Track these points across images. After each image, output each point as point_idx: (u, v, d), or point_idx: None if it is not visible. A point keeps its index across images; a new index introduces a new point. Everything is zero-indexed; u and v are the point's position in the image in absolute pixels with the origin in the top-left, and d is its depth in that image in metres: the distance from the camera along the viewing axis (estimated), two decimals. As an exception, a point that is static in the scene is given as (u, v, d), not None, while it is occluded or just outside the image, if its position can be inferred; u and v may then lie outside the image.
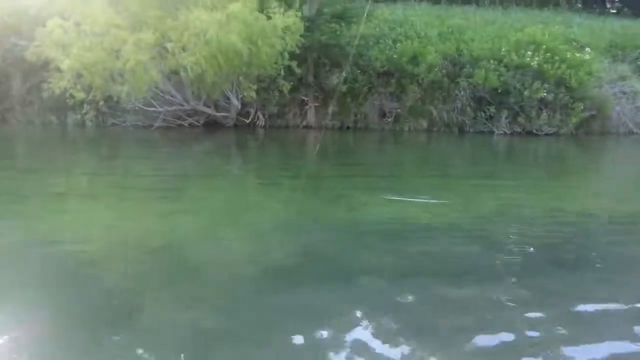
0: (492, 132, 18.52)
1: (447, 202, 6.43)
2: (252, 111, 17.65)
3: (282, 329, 3.02)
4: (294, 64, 16.21)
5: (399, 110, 18.52)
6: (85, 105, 16.26)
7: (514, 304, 3.51)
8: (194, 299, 3.38)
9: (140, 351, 2.71)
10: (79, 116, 16.86)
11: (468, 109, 18.61)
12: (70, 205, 6.33)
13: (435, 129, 18.77)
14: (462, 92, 18.53)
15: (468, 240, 5.09)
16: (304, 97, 18.33)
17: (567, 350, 2.92)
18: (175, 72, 15.09)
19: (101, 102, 16.04)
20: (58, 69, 14.75)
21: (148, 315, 3.15)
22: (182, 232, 5.05)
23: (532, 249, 4.90)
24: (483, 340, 3.02)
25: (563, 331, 3.16)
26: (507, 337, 3.08)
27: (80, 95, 15.13)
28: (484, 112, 18.66)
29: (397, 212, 6.22)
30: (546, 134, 18.51)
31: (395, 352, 2.81)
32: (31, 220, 5.38)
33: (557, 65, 18.16)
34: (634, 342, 3.04)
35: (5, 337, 2.86)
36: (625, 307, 3.55)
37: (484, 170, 10.62)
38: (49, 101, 16.93)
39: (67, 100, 15.76)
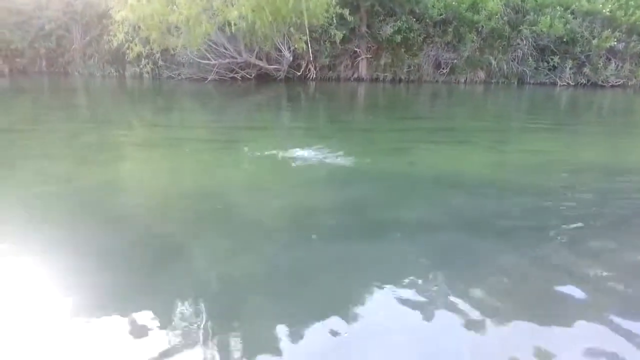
0: (554, 84, 17.63)
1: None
2: (304, 63, 17.53)
3: (318, 281, 3.10)
4: (345, 12, 15.82)
5: (455, 61, 17.88)
6: (143, 59, 16.68)
7: (556, 263, 3.43)
8: (236, 248, 3.50)
9: (174, 295, 2.86)
10: (137, 69, 17.35)
11: (530, 59, 17.74)
12: (127, 154, 6.61)
13: (493, 80, 18.05)
14: (524, 41, 17.63)
15: (519, 194, 4.96)
16: (356, 49, 17.98)
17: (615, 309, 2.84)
18: (228, 24, 15.10)
19: (157, 55, 16.40)
20: (117, 22, 15.10)
21: (186, 261, 3.31)
22: (232, 182, 5.18)
23: (589, 206, 4.71)
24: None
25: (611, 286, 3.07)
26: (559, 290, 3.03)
27: (138, 48, 15.49)
28: (547, 62, 17.75)
29: (451, 165, 6.11)
30: (613, 86, 17.42)
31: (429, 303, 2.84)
32: (89, 167, 5.67)
33: (631, 11, 16.81)
34: None
35: (57, 276, 3.09)
36: None
37: (544, 124, 10.16)
38: (108, 54, 17.50)
39: (126, 54, 16.22)
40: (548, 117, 11.43)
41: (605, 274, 3.28)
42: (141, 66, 17.12)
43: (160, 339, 2.47)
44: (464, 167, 6.07)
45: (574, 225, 4.16)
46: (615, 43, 16.94)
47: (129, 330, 2.54)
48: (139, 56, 16.34)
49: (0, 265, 3.19)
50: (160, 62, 17.05)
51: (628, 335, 2.57)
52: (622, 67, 17.49)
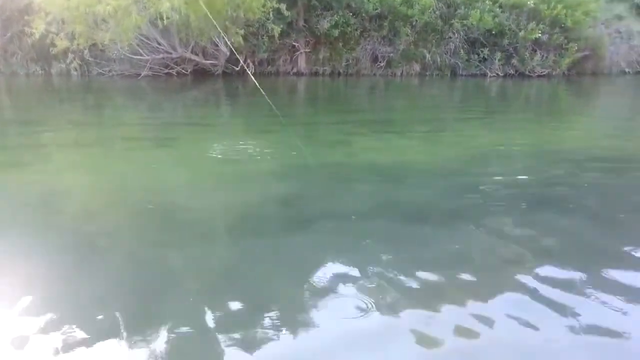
0: (484, 75, 18.35)
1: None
2: (242, 58, 17.26)
3: (253, 274, 3.07)
4: (282, 6, 15.72)
5: (391, 55, 18.22)
6: (69, 54, 15.85)
7: (495, 242, 3.57)
8: (164, 246, 3.41)
9: (95, 295, 2.77)
10: (63, 65, 16.45)
11: (461, 51, 18.36)
12: (54, 155, 6.24)
13: (428, 72, 18.54)
14: (456, 35, 18.22)
15: (453, 181, 5.12)
16: (294, 43, 17.93)
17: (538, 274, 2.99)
18: (160, 18, 14.60)
19: (85, 51, 15.64)
20: (40, 17, 14.25)
21: (122, 256, 3.20)
22: (167, 181, 5.01)
23: (516, 188, 4.94)
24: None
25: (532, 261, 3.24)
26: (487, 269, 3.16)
27: (64, 43, 14.68)
28: (477, 54, 18.43)
29: (389, 156, 6.22)
30: (539, 76, 18.37)
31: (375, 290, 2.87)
32: (14, 169, 5.33)
33: (553, 4, 17.78)
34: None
35: None
36: (610, 242, 3.62)
37: (476, 113, 10.57)
38: (32, 50, 16.48)
39: (50, 49, 15.34)
40: (479, 107, 11.90)
41: (529, 250, 3.43)
42: (67, 62, 16.23)
43: (80, 340, 2.34)
44: (401, 157, 6.19)
45: (506, 207, 4.33)
46: (540, 35, 17.84)
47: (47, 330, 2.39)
48: (65, 52, 15.49)
49: None
50: (89, 59, 16.25)
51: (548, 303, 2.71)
52: (546, 57, 18.46)
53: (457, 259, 3.29)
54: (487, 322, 2.57)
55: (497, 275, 3.10)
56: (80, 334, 2.41)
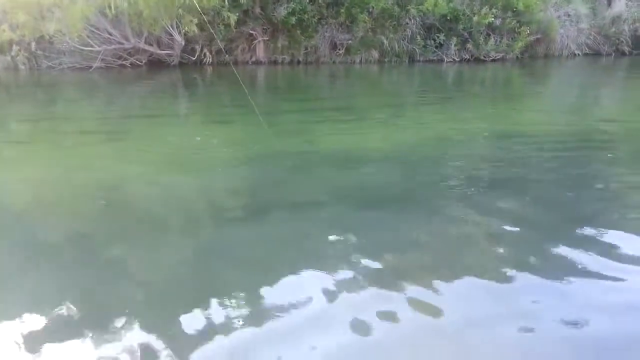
0: (441, 60, 18.61)
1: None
2: (198, 48, 16.92)
3: (211, 266, 3.06)
4: (237, -7, 15.45)
5: (350, 42, 18.21)
6: (14, 46, 15.12)
7: (450, 225, 3.66)
8: (118, 243, 3.35)
9: (55, 290, 2.72)
10: (9, 58, 15.69)
11: (418, 37, 18.53)
12: (2, 151, 5.97)
13: (386, 59, 18.66)
14: (412, 21, 18.36)
15: (413, 164, 5.22)
16: (251, 31, 17.66)
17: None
18: (109, 8, 14.09)
19: (32, 43, 14.95)
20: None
21: (71, 253, 3.13)
22: (126, 175, 4.88)
23: (473, 171, 5.07)
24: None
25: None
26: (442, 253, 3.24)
27: (7, 34, 13.99)
28: (434, 40, 18.66)
29: (349, 142, 6.25)
30: (493, 60, 18.79)
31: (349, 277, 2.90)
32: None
33: (503, -11, 18.18)
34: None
35: None
36: (553, 224, 3.76)
37: (434, 98, 10.74)
38: (-26, 44, 15.64)
39: (-5, 44, 14.60)
40: (437, 92, 12.08)
41: (483, 233, 3.53)
42: (13, 55, 15.49)
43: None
44: (361, 144, 6.24)
45: (463, 190, 4.44)
46: (493, 19, 18.21)
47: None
48: (9, 44, 14.77)
49: None
50: (38, 51, 15.55)
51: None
52: (500, 42, 18.88)
53: (414, 243, 3.36)
54: (443, 300, 2.64)
55: (452, 258, 3.18)
56: (31, 332, 2.34)
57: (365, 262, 3.01)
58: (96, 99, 11.01)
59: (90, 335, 2.34)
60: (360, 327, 2.41)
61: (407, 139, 6.54)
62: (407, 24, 18.46)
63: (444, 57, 18.63)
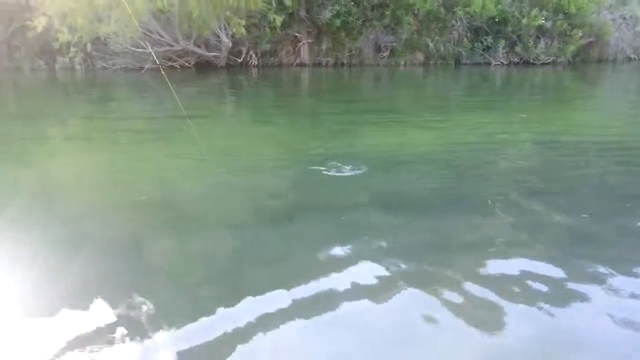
0: (488, 63, 18.26)
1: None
2: (244, 50, 17.26)
3: (257, 260, 3.11)
4: (284, -4, 15.68)
5: (394, 44, 18.14)
6: (72, 48, 15.86)
7: (494, 231, 3.59)
8: (167, 239, 3.45)
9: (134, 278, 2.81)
10: (67, 60, 16.48)
11: (465, 40, 18.26)
12: (59, 148, 6.29)
13: (431, 62, 18.46)
14: (459, 23, 18.11)
15: (456, 169, 5.15)
16: (296, 34, 17.86)
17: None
18: (162, 11, 14.58)
19: (88, 44, 15.64)
20: (42, 12, 14.26)
21: (139, 248, 3.25)
22: (178, 172, 5.05)
23: (518, 175, 4.95)
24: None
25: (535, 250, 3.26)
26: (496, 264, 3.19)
27: (66, 37, 14.69)
28: (481, 42, 18.34)
29: (392, 145, 6.23)
30: (543, 63, 18.27)
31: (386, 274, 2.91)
32: (19, 162, 5.38)
33: (556, -10, 17.66)
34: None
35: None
36: (607, 237, 3.61)
37: (481, 101, 10.55)
38: (36, 45, 16.49)
39: (53, 43, 15.35)
40: (484, 95, 11.86)
41: (523, 238, 3.45)
42: (70, 56, 16.26)
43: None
44: (403, 146, 6.21)
45: (506, 195, 4.35)
46: (544, 22, 17.72)
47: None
48: (67, 46, 15.51)
49: None
50: (93, 52, 16.27)
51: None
52: (551, 45, 18.34)
53: (451, 248, 3.31)
54: (484, 303, 2.61)
55: (485, 268, 3.11)
56: (81, 322, 2.46)
57: (398, 265, 2.99)
58: (146, 99, 11.41)
59: (124, 324, 2.43)
60: (393, 329, 2.41)
61: (451, 142, 6.45)
62: (454, 26, 18.22)
63: (492, 60, 18.27)
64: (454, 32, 18.33)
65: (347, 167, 5.02)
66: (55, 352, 2.24)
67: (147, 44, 15.21)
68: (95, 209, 4.04)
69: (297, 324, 2.47)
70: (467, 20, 18.06)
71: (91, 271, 2.99)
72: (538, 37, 18.31)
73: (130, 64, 16.03)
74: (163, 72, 6.18)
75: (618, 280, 2.87)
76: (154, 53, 15.61)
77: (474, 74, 16.62)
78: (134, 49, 15.39)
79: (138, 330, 2.39)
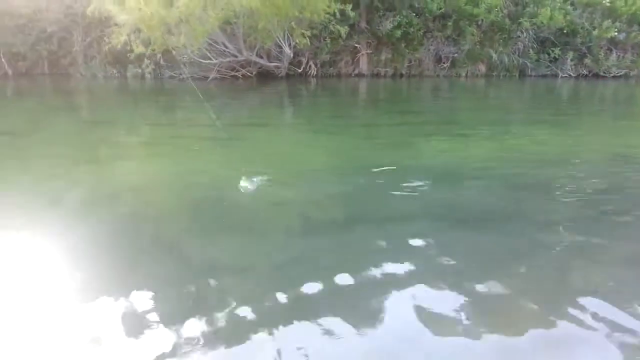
0: (555, 76, 17.60)
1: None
2: (304, 60, 17.57)
3: (322, 267, 3.14)
4: (348, 7, 15.85)
5: (455, 55, 17.89)
6: (145, 59, 16.73)
7: (558, 249, 3.46)
8: (236, 243, 3.56)
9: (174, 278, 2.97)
10: (138, 70, 17.41)
11: (530, 51, 17.72)
12: (130, 152, 6.65)
13: (494, 73, 18.04)
14: (525, 34, 17.61)
15: (519, 185, 4.99)
16: (356, 44, 18.00)
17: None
18: (228, 22, 15.12)
19: (159, 55, 16.45)
20: (117, 24, 15.16)
21: (189, 246, 3.42)
22: (235, 177, 5.11)
23: (581, 194, 4.73)
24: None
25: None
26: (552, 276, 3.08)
27: (140, 49, 15.55)
28: (548, 54, 17.73)
29: (451, 158, 6.14)
30: (614, 76, 17.39)
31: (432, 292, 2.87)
32: (93, 165, 5.72)
33: (631, 1, 16.78)
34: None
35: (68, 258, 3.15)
36: None
37: (547, 115, 10.18)
38: (110, 55, 17.56)
39: (128, 55, 16.26)
40: (550, 109, 11.43)
41: (585, 262, 3.30)
42: (143, 67, 17.18)
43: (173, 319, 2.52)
44: (462, 159, 6.09)
45: (568, 215, 4.18)
46: (616, 33, 16.90)
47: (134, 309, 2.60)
48: (140, 57, 16.40)
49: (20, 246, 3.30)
50: (162, 62, 17.11)
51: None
52: (623, 57, 17.46)
53: (509, 267, 3.21)
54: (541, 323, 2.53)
55: (550, 286, 3.00)
56: (151, 312, 2.60)
57: (450, 281, 2.92)
58: (212, 107, 11.82)
59: (179, 320, 2.54)
60: (445, 349, 2.37)
61: (513, 156, 6.27)
62: (519, 37, 17.73)
63: (559, 72, 17.60)
64: (519, 43, 17.83)
65: (403, 178, 4.99)
66: (101, 342, 2.38)
67: (212, 55, 15.83)
68: (167, 212, 4.24)
69: (349, 335, 2.48)
70: (533, 31, 17.51)
71: (152, 270, 3.14)
72: (609, 49, 17.49)
73: (195, 74, 16.69)
74: (194, 86, 6.31)
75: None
76: (219, 63, 16.23)
77: (540, 86, 16.06)
78: (200, 60, 16.04)
79: (184, 327, 2.49)
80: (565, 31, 17.23)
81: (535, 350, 2.37)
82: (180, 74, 16.97)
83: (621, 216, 4.15)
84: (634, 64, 17.48)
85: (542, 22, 17.09)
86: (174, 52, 15.88)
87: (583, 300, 2.75)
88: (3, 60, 18.11)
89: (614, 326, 2.52)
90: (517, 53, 17.92)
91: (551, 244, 3.54)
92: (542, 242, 3.56)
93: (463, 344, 2.41)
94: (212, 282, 2.98)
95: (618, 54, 17.51)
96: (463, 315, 2.62)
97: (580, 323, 2.55)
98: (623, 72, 17.53)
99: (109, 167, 5.76)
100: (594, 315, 2.62)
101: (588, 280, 3.05)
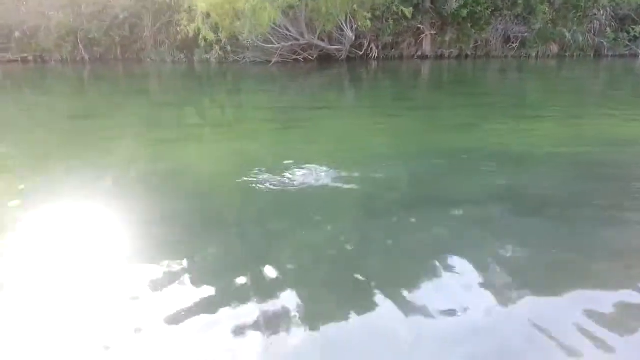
0: (635, 55, 16.42)
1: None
2: (365, 42, 17.39)
3: (370, 254, 3.13)
4: (412, -12, 15.50)
5: (525, 35, 17.07)
6: (214, 46, 17.17)
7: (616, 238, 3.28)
8: (300, 220, 3.61)
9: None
10: (206, 55, 17.94)
11: (608, 29, 16.60)
12: (202, 134, 6.90)
13: (567, 53, 17.08)
14: (602, 11, 16.50)
15: (593, 171, 4.75)
16: (419, 25, 17.57)
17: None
18: (291, 7, 15.22)
19: (226, 41, 16.87)
20: (186, 10, 15.66)
21: (249, 229, 3.51)
22: (299, 159, 5.13)
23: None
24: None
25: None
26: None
27: (211, 36, 16.06)
28: (627, 32, 16.55)
29: (519, 141, 5.93)
30: None
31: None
32: (170, 147, 5.98)
33: None
34: None
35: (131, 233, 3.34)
36: None
37: (621, 98, 9.56)
38: (178, 41, 18.17)
39: (199, 42, 16.72)
40: (629, 90, 10.72)
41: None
42: (213, 53, 17.66)
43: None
44: (531, 143, 5.87)
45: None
46: None
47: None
48: (209, 43, 16.86)
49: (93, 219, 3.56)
50: (227, 47, 17.51)
51: None
52: None
53: (575, 253, 3.09)
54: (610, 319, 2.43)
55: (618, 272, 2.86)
56: (204, 292, 2.71)
57: (517, 267, 2.85)
58: (274, 90, 12.03)
59: (243, 299, 2.61)
60: (511, 335, 2.33)
61: (584, 140, 5.95)
62: (595, 15, 16.64)
63: (639, 51, 16.39)
64: (595, 21, 16.73)
65: (469, 161, 4.88)
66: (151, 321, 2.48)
67: (275, 40, 16.01)
68: (222, 189, 4.38)
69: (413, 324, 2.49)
70: (611, 9, 16.37)
71: (217, 248, 3.28)
72: (700, 26, 16.06)
73: (258, 58, 16.98)
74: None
75: None
76: (281, 47, 16.40)
77: (618, 66, 15.06)
78: (263, 44, 16.26)
79: (237, 312, 2.54)
80: (648, 7, 16.00)
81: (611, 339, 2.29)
82: (243, 58, 17.31)
83: None
84: None
85: (622, -2, 15.96)
86: (240, 38, 16.21)
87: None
88: (80, 46, 19.14)
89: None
90: (592, 32, 16.84)
91: (617, 231, 3.37)
92: (607, 229, 3.40)
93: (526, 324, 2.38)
94: (276, 264, 3.03)
95: None
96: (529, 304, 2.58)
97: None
98: None
99: (181, 147, 6.00)
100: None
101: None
